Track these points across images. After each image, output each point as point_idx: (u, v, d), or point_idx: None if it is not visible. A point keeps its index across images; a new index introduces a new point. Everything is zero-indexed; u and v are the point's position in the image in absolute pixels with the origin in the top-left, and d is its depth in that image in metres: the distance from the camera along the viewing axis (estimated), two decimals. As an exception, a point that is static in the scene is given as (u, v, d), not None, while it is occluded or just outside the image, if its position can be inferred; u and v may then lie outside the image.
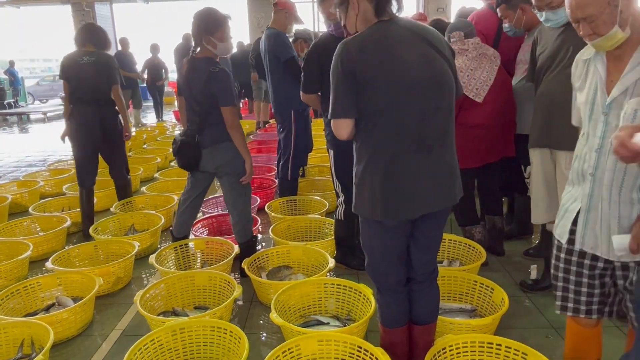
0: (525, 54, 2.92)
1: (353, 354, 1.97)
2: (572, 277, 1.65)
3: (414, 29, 1.65)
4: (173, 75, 10.88)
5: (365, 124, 1.63)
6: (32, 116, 13.67)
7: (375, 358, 1.86)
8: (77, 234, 3.95)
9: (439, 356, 1.94)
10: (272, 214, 3.72)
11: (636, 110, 1.33)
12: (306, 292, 2.52)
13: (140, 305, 2.34)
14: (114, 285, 2.92)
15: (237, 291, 2.42)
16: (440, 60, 1.64)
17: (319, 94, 2.91)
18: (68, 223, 3.62)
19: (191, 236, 3.26)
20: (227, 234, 3.57)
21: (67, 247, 3.34)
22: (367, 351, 1.92)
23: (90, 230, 3.46)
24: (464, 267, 2.73)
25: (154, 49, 9.64)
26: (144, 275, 3.17)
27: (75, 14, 16.08)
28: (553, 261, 1.71)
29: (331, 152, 2.91)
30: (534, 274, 2.74)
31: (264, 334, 2.47)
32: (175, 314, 2.55)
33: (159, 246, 3.56)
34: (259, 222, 3.52)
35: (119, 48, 9.58)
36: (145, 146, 6.89)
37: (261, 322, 2.58)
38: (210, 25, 2.66)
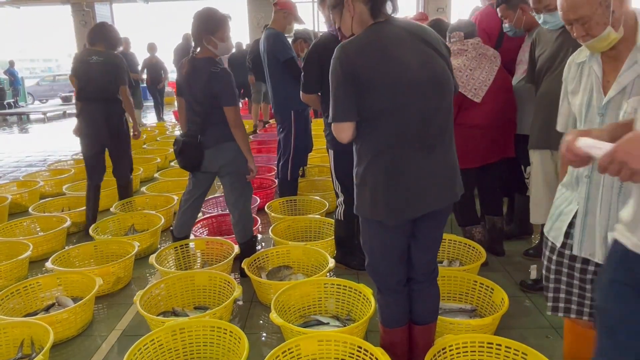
0: (525, 55, 2.92)
1: (353, 354, 1.97)
2: (564, 278, 1.64)
3: (410, 29, 1.65)
4: (173, 75, 10.88)
5: (367, 126, 1.62)
6: (32, 116, 13.68)
7: (375, 358, 1.86)
8: (77, 234, 3.95)
9: (439, 356, 1.94)
10: (272, 214, 3.72)
11: (636, 109, 1.34)
12: (306, 292, 2.52)
13: (140, 306, 2.34)
14: (114, 285, 2.92)
15: (237, 291, 2.42)
16: (439, 59, 1.64)
17: (319, 94, 2.91)
18: (68, 223, 3.62)
19: (191, 236, 3.26)
20: (227, 234, 3.57)
21: (67, 247, 3.34)
22: (367, 351, 1.92)
23: (90, 230, 3.46)
24: (464, 267, 2.74)
25: (152, 48, 9.54)
26: (144, 276, 3.17)
27: (75, 14, 16.09)
28: (545, 262, 1.71)
29: (331, 152, 2.91)
30: (534, 274, 2.74)
31: (264, 334, 2.47)
32: (175, 314, 2.55)
33: (159, 246, 3.56)
34: (259, 222, 3.52)
35: (120, 48, 9.55)
36: (145, 146, 6.89)
37: (261, 322, 2.58)
38: (210, 25, 2.67)
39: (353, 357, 1.97)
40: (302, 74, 2.90)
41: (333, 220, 3.15)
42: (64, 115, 13.66)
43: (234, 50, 8.49)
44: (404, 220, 1.70)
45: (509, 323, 2.39)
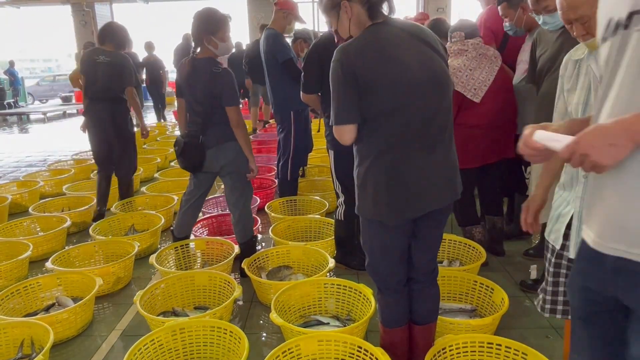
0: (524, 54, 2.92)
1: (353, 354, 1.97)
2: (562, 280, 1.64)
3: (408, 29, 1.65)
4: (173, 76, 10.86)
5: (368, 126, 1.62)
6: (32, 116, 13.67)
7: (375, 358, 1.86)
8: (77, 234, 3.95)
9: (439, 356, 1.94)
10: (272, 214, 3.72)
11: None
12: (306, 292, 2.52)
13: (140, 306, 2.34)
14: (114, 285, 2.92)
15: (237, 291, 2.42)
16: (438, 58, 1.65)
17: (319, 94, 2.91)
18: (68, 223, 3.62)
19: (191, 236, 3.26)
20: (227, 234, 3.57)
21: (67, 247, 3.34)
22: (367, 351, 1.92)
23: (90, 230, 3.46)
24: (464, 267, 2.74)
25: (149, 47, 9.35)
26: (144, 276, 3.17)
27: (75, 14, 16.10)
28: (545, 264, 1.71)
29: (331, 152, 2.91)
30: (534, 274, 2.74)
31: (264, 334, 2.47)
32: (175, 314, 2.55)
33: (159, 246, 3.56)
34: (259, 222, 3.52)
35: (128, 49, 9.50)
36: (145, 146, 6.89)
37: (261, 322, 2.58)
38: (211, 25, 2.67)
39: (353, 357, 1.97)
40: (302, 74, 2.90)
41: (333, 220, 3.15)
42: (64, 115, 13.66)
43: (233, 50, 8.48)
44: (405, 220, 1.70)
45: (509, 323, 2.39)
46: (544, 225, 2.70)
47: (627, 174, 0.93)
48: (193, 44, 2.75)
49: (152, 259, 2.84)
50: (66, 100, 15.48)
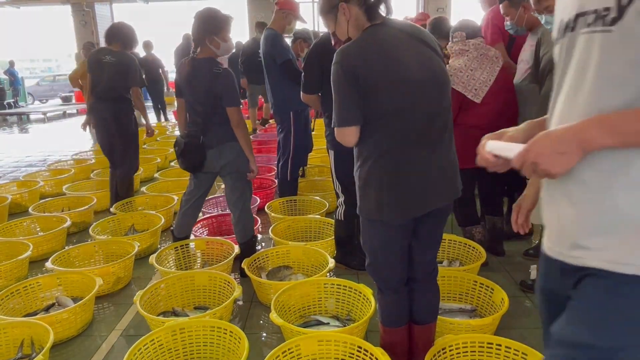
0: (525, 54, 2.92)
1: (353, 354, 1.97)
2: None
3: (407, 30, 1.66)
4: (173, 75, 10.84)
5: (369, 127, 1.63)
6: (32, 116, 13.67)
7: (375, 358, 1.86)
8: (77, 234, 3.95)
9: (439, 356, 1.94)
10: (272, 214, 3.72)
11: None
12: (306, 292, 2.52)
13: (140, 306, 2.34)
14: (114, 285, 2.92)
15: (237, 291, 2.42)
16: (437, 58, 1.66)
17: (320, 94, 2.91)
18: (68, 223, 3.62)
19: (191, 236, 3.26)
20: (227, 234, 3.57)
21: (67, 247, 3.34)
22: (367, 351, 1.92)
23: (90, 230, 3.46)
24: (464, 267, 2.74)
25: (147, 46, 9.18)
26: (144, 276, 3.17)
27: (75, 14, 16.10)
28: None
29: (331, 152, 2.91)
30: (534, 274, 2.74)
31: (264, 334, 2.47)
32: (175, 314, 2.55)
33: (159, 246, 3.56)
34: (259, 222, 3.52)
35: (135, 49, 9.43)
36: (145, 146, 6.89)
37: (261, 322, 2.57)
38: (214, 25, 2.68)
39: (353, 357, 1.97)
40: (303, 74, 2.90)
41: (333, 221, 3.15)
42: (64, 115, 13.66)
43: (234, 50, 8.48)
44: (407, 219, 1.70)
45: (509, 323, 2.39)
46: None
47: (571, 180, 0.95)
48: (193, 44, 2.75)
49: (152, 259, 2.84)
50: (66, 100, 15.48)
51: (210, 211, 3.98)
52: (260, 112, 8.42)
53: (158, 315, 2.47)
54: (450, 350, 1.97)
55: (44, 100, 18.20)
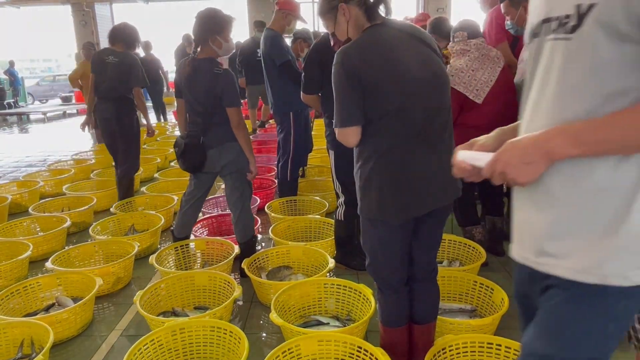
0: (526, 54, 2.92)
1: (353, 354, 1.97)
2: None
3: (407, 30, 1.66)
4: (173, 76, 10.81)
5: (371, 127, 1.63)
6: (32, 116, 13.67)
7: (375, 358, 1.86)
8: (77, 234, 3.95)
9: (439, 356, 1.94)
10: (272, 214, 3.72)
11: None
12: (306, 292, 2.52)
13: (140, 306, 2.34)
14: (114, 285, 2.92)
15: (237, 291, 2.42)
16: (436, 58, 1.67)
17: (320, 94, 2.91)
18: (68, 223, 3.62)
19: (191, 236, 3.26)
20: (227, 234, 3.57)
21: (67, 247, 3.34)
22: (367, 351, 1.92)
23: (90, 230, 3.47)
24: (464, 267, 2.74)
25: (146, 46, 9.01)
26: (144, 276, 3.16)
27: (75, 14, 16.11)
28: None
29: (332, 152, 2.91)
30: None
31: (264, 334, 2.47)
32: (175, 314, 2.55)
33: (159, 246, 3.56)
34: (259, 222, 3.52)
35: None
36: (145, 146, 6.89)
37: (261, 322, 2.58)
38: (217, 25, 2.69)
39: (353, 357, 1.97)
40: (303, 74, 2.90)
41: (333, 221, 3.15)
42: (64, 115, 13.66)
43: (234, 50, 8.46)
44: (408, 219, 1.71)
45: (509, 323, 2.38)
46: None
47: (536, 186, 0.95)
48: (194, 44, 2.75)
49: (152, 259, 2.84)
50: (66, 100, 15.48)
51: (210, 211, 3.98)
52: (259, 113, 8.42)
53: (158, 315, 2.47)
54: (450, 350, 1.97)
55: (44, 101, 18.20)
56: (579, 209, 0.91)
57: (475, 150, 1.11)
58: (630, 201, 0.87)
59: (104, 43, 15.01)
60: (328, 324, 2.38)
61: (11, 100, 15.15)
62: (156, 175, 5.27)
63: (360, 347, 1.95)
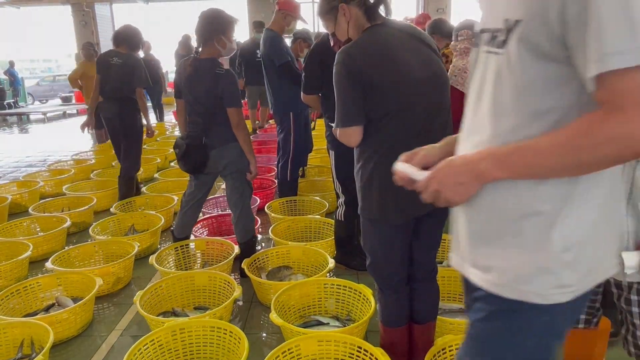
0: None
1: (353, 354, 1.97)
2: None
3: (406, 30, 1.67)
4: (172, 76, 10.82)
5: (372, 127, 1.63)
6: (32, 116, 13.66)
7: (375, 358, 1.86)
8: (77, 234, 3.95)
9: (439, 356, 1.94)
10: (272, 214, 3.72)
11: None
12: (306, 293, 2.52)
13: (140, 306, 2.34)
14: (114, 286, 2.92)
15: (237, 291, 2.42)
16: (436, 57, 1.68)
17: (320, 94, 2.91)
18: (68, 223, 3.62)
19: (191, 236, 3.26)
20: (227, 234, 3.57)
21: (67, 248, 3.34)
22: (367, 351, 1.92)
23: (90, 231, 3.47)
24: (464, 268, 2.73)
25: (146, 47, 8.93)
26: (144, 276, 3.17)
27: (75, 14, 16.11)
28: None
29: (332, 153, 2.91)
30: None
31: (264, 334, 2.47)
32: (175, 314, 2.55)
33: (159, 246, 3.56)
34: (259, 222, 3.52)
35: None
36: (145, 146, 6.87)
37: (261, 322, 2.58)
38: (222, 25, 2.70)
39: (353, 357, 1.97)
40: (303, 74, 2.90)
41: (333, 221, 3.15)
42: (64, 115, 13.66)
43: (235, 50, 8.45)
44: (409, 219, 1.71)
45: (509, 323, 2.38)
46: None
47: (474, 203, 0.95)
48: (196, 43, 2.75)
49: (152, 259, 2.84)
50: (66, 100, 15.47)
51: (210, 211, 3.98)
52: (258, 114, 8.41)
53: (158, 316, 2.47)
54: (450, 350, 1.97)
55: (44, 101, 18.18)
56: (501, 226, 0.91)
57: (419, 159, 1.12)
58: (551, 222, 0.86)
59: (104, 43, 15.03)
60: (328, 324, 2.38)
61: (11, 101, 15.13)
62: (156, 175, 5.27)
63: (360, 347, 1.95)
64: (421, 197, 0.98)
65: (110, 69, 4.02)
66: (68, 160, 6.36)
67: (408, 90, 1.58)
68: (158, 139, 7.52)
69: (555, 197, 0.86)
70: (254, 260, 2.91)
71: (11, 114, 13.82)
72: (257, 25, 7.55)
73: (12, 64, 16.72)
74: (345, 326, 2.31)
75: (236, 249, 2.97)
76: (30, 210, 4.08)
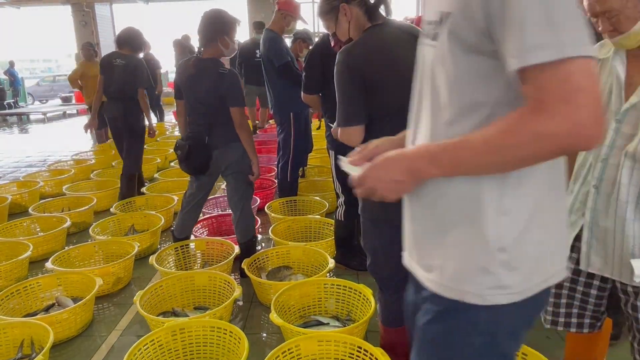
0: None
1: (353, 354, 1.97)
2: (565, 292, 1.60)
3: (407, 30, 1.67)
4: (172, 76, 10.81)
5: (373, 126, 1.63)
6: (32, 116, 13.67)
7: (375, 358, 1.86)
8: (77, 234, 3.95)
9: (439, 356, 1.94)
10: (272, 214, 3.72)
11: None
12: (306, 293, 2.52)
13: (140, 306, 2.34)
14: (114, 286, 2.92)
15: (237, 291, 2.42)
16: None
17: (320, 95, 2.91)
18: (68, 223, 3.62)
19: (191, 237, 3.26)
20: (227, 234, 3.57)
21: (67, 248, 3.34)
22: (367, 351, 1.92)
23: (90, 231, 3.47)
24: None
25: (145, 47, 9.24)
26: (144, 276, 3.17)
27: (75, 14, 16.11)
28: None
29: (332, 152, 2.91)
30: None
31: (264, 334, 2.47)
32: (175, 314, 2.55)
33: (159, 246, 3.56)
34: (259, 222, 3.52)
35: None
36: (145, 146, 6.88)
37: (261, 322, 2.58)
38: (225, 25, 2.71)
39: (353, 358, 1.97)
40: (304, 74, 2.90)
41: (333, 221, 3.15)
42: (64, 115, 13.66)
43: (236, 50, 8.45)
44: None
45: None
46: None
47: (410, 199, 0.95)
48: (199, 44, 2.74)
49: (152, 259, 2.84)
50: (66, 100, 15.48)
51: (210, 211, 3.98)
52: (257, 113, 8.41)
53: (158, 316, 2.47)
54: (450, 351, 1.96)
55: (44, 101, 18.19)
56: (441, 224, 0.89)
57: (368, 152, 1.09)
58: (485, 220, 0.84)
59: (104, 43, 15.03)
60: (328, 324, 2.38)
61: (11, 101, 15.13)
62: (156, 175, 5.27)
63: (360, 347, 1.95)
64: (354, 191, 0.95)
65: (113, 70, 4.12)
66: (68, 161, 6.36)
67: (408, 89, 1.58)
68: (158, 139, 7.52)
69: (489, 195, 0.83)
70: (254, 260, 2.91)
71: (11, 114, 13.82)
72: (257, 26, 7.54)
73: (12, 64, 16.72)
74: (345, 326, 2.31)
75: (236, 249, 2.97)
76: (30, 210, 4.08)
